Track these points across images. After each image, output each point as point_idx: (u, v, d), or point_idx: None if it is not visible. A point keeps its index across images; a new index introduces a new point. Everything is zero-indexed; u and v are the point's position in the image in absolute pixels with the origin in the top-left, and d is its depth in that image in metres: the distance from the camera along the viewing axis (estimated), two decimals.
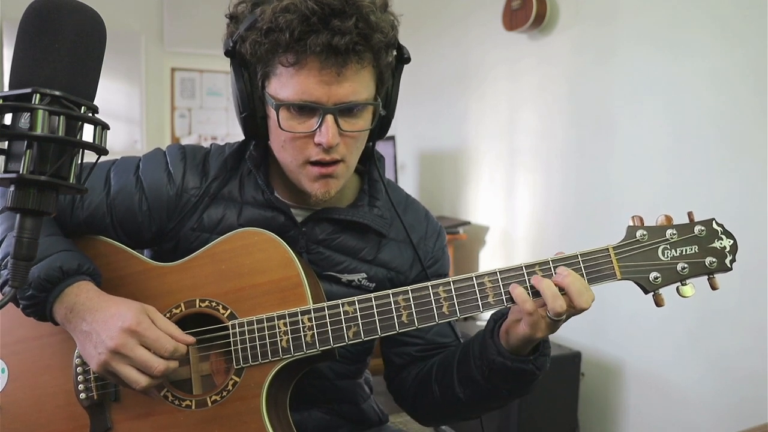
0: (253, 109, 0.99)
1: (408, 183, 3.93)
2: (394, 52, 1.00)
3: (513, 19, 2.93)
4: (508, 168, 3.18)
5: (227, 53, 0.99)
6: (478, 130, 3.39)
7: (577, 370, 2.52)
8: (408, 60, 1.03)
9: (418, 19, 3.72)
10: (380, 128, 1.06)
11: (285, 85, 0.94)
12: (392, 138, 3.73)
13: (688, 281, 0.91)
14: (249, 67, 0.98)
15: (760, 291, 2.02)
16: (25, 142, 0.62)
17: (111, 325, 0.89)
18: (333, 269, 1.07)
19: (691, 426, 2.26)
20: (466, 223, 3.39)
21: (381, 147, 4.28)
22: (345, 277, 1.07)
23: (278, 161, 1.04)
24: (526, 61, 3.02)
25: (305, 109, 0.94)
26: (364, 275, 1.08)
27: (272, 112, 0.97)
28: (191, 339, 0.94)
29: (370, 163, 1.13)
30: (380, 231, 1.09)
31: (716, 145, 2.17)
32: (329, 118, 0.93)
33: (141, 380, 0.88)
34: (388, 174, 2.58)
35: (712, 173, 2.18)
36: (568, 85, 2.80)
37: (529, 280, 0.91)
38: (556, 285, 0.88)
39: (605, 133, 2.60)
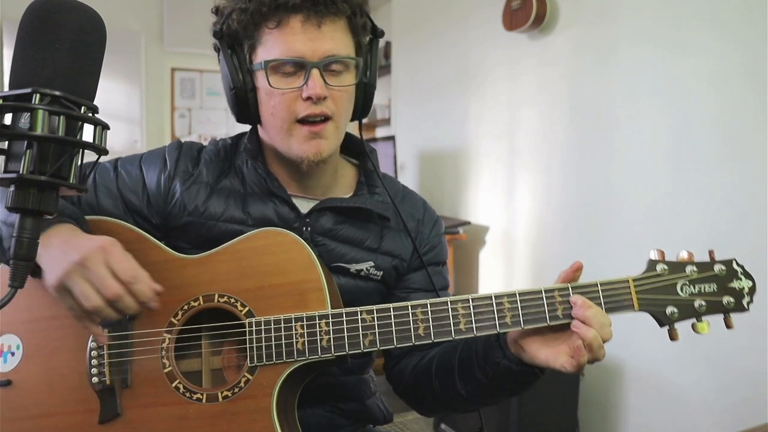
0: (243, 83, 1.04)
1: (408, 183, 3.91)
2: (369, 25, 1.07)
3: (513, 19, 2.93)
4: (508, 168, 3.18)
5: (215, 34, 1.06)
6: (478, 130, 3.39)
7: None
8: (382, 34, 1.11)
9: (418, 19, 3.72)
10: (363, 101, 1.10)
11: (271, 48, 1.01)
12: (392, 138, 3.73)
13: (704, 318, 0.92)
14: (236, 45, 1.05)
15: (760, 291, 2.01)
16: (25, 142, 0.62)
17: (84, 243, 0.87)
18: (340, 260, 1.09)
19: (691, 426, 2.26)
20: (466, 223, 3.39)
21: (381, 147, 4.24)
22: (353, 267, 1.09)
23: (272, 145, 1.07)
24: (526, 61, 3.03)
25: (292, 65, 1.00)
26: (372, 263, 1.10)
27: (261, 80, 1.02)
28: (158, 287, 0.91)
29: (363, 156, 1.17)
30: (384, 215, 1.11)
31: (716, 145, 2.17)
32: (315, 71, 0.99)
33: (92, 297, 0.85)
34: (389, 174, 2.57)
35: (712, 173, 2.18)
36: (568, 85, 2.80)
37: (559, 308, 0.91)
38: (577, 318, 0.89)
39: (605, 133, 2.60)
